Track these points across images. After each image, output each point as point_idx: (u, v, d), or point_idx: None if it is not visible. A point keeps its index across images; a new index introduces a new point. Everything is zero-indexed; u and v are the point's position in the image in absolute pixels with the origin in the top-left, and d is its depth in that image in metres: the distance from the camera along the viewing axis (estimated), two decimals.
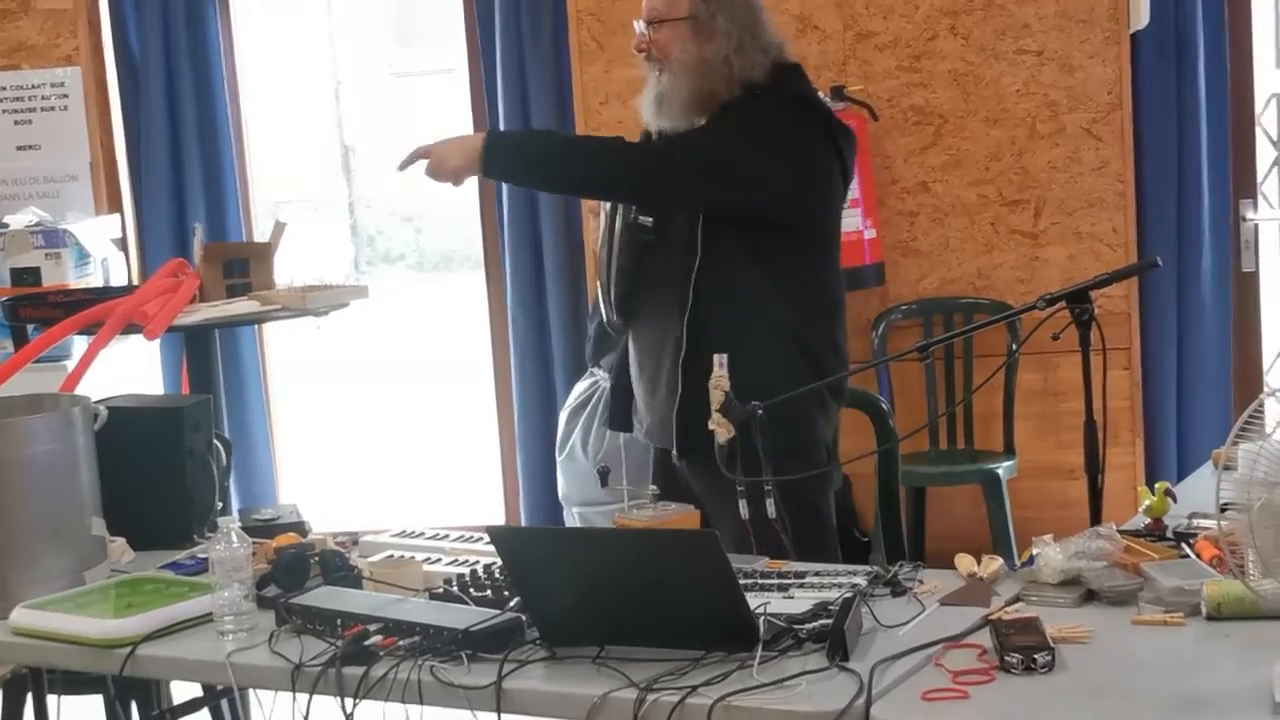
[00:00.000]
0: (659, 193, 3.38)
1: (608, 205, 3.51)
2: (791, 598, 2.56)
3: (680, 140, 3.36)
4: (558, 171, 3.45)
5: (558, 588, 2.45)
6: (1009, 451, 5.21)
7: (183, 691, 3.73)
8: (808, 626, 2.38)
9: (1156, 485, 2.89)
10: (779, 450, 2.95)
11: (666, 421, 3.33)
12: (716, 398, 2.86)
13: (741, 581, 2.46)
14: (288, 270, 4.58)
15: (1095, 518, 2.93)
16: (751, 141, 3.30)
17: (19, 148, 5.69)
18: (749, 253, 3.31)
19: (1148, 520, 2.83)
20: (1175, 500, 2.88)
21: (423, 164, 3.36)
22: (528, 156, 3.43)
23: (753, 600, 2.43)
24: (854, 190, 5.10)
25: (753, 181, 3.30)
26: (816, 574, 2.69)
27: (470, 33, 5.65)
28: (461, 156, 3.34)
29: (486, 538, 2.97)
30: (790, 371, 3.22)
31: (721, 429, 2.85)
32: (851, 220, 5.10)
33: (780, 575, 2.69)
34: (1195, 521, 2.79)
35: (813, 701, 2.17)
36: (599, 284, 3.62)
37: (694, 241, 3.29)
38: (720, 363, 2.87)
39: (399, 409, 10.22)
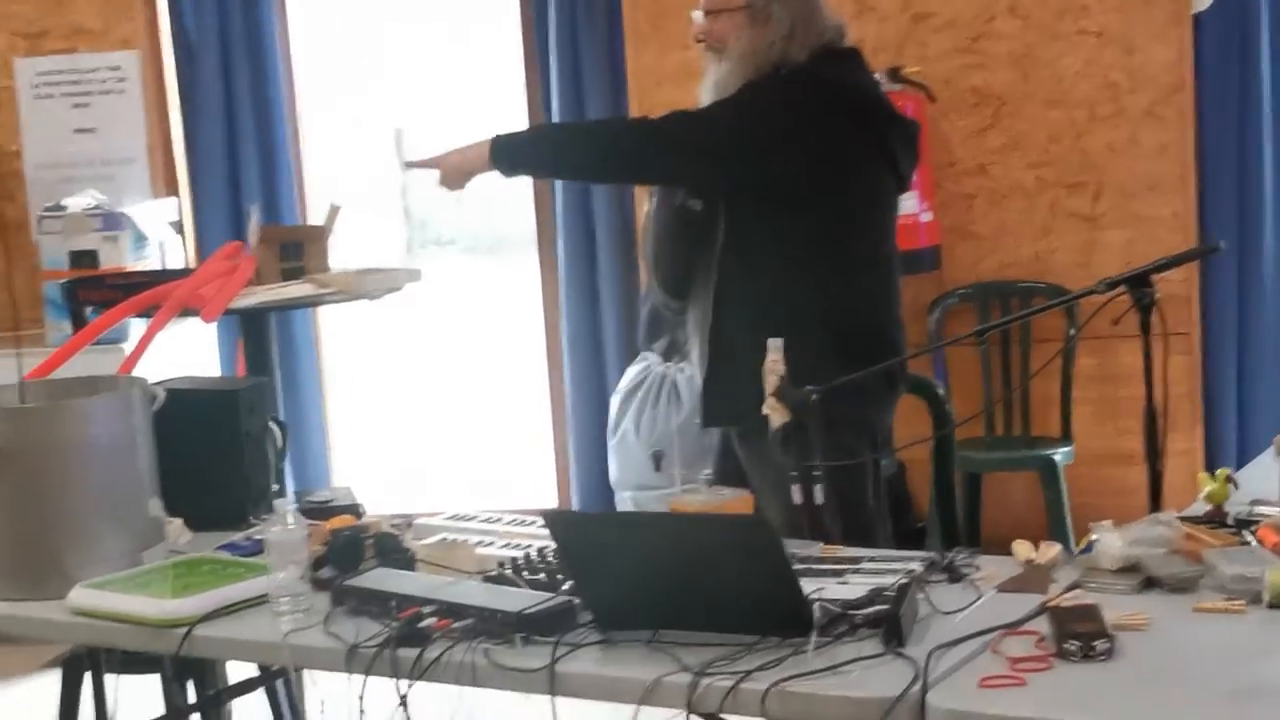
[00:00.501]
0: (644, 170, 3.53)
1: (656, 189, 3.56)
2: (846, 583, 2.55)
3: (669, 117, 3.45)
4: (560, 158, 3.60)
5: (611, 572, 2.46)
6: (1066, 438, 5.18)
7: (238, 672, 3.76)
8: (863, 612, 2.36)
9: (1217, 472, 2.87)
10: (830, 437, 2.94)
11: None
12: (771, 382, 2.86)
13: (796, 567, 2.46)
14: (341, 253, 4.61)
15: (1155, 504, 2.90)
16: (739, 116, 3.35)
17: (77, 131, 5.71)
18: (771, 234, 3.35)
19: (1208, 507, 2.81)
20: (1236, 486, 2.86)
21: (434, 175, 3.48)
22: (532, 147, 3.56)
23: (807, 585, 2.42)
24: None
25: (737, 156, 3.36)
26: (872, 559, 2.68)
27: (525, 16, 5.66)
28: (470, 159, 3.46)
29: (539, 521, 2.99)
30: (819, 356, 3.20)
31: (776, 414, 2.85)
32: (908, 204, 5.08)
33: (835, 561, 2.69)
34: (1257, 508, 2.77)
35: (868, 688, 2.17)
36: (650, 266, 3.65)
37: (719, 220, 3.33)
38: (775, 347, 2.87)
39: (451, 392, 10.26)
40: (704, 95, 3.43)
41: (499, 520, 3.15)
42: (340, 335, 6.47)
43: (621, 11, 5.43)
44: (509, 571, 2.72)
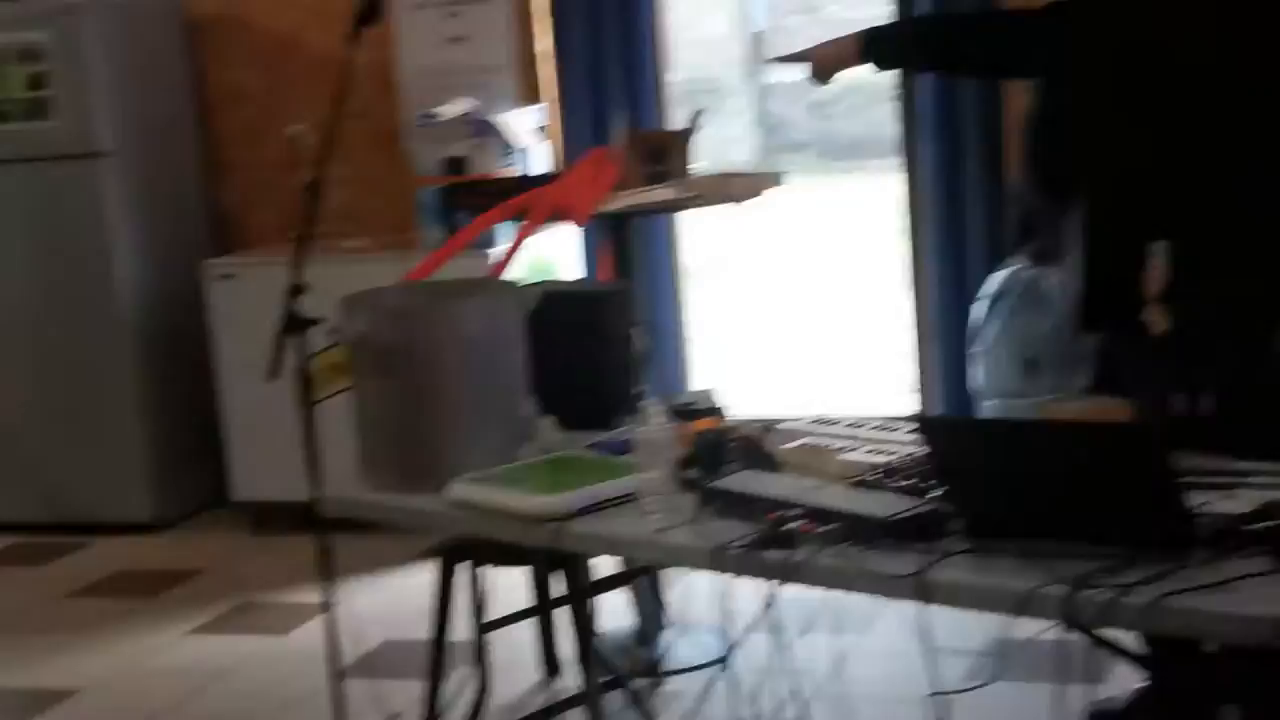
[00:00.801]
0: (1029, 66, 3.29)
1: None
2: (1234, 497, 2.45)
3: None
4: (931, 47, 3.46)
5: (983, 479, 2.43)
6: None
7: (604, 568, 3.86)
8: (1253, 527, 2.27)
9: None
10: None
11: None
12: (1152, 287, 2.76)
13: (1179, 480, 2.37)
14: (700, 157, 4.62)
15: None
16: None
17: (449, 40, 5.83)
18: None
19: None
20: None
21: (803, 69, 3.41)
22: (903, 38, 3.50)
23: (1191, 499, 2.34)
24: None
25: None
26: (1265, 474, 2.57)
27: None
28: (841, 51, 3.37)
29: (903, 427, 2.96)
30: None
31: (1159, 320, 2.75)
32: None
33: (1223, 474, 2.57)
34: None
35: (1257, 605, 2.08)
36: (1027, 165, 3.51)
37: None
38: (1159, 251, 2.76)
39: (809, 297, 10.25)
40: None
41: (863, 425, 3.12)
42: (698, 238, 6.51)
43: None
44: (877, 477, 2.71)
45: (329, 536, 3.28)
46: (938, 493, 2.53)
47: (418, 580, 4.56)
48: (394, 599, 4.88)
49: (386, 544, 4.60)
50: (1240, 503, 2.40)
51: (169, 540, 5.92)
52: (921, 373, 5.71)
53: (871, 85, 5.22)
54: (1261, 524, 2.28)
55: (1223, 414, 2.78)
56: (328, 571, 3.30)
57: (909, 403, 5.75)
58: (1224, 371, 2.79)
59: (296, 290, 3.26)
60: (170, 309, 6.01)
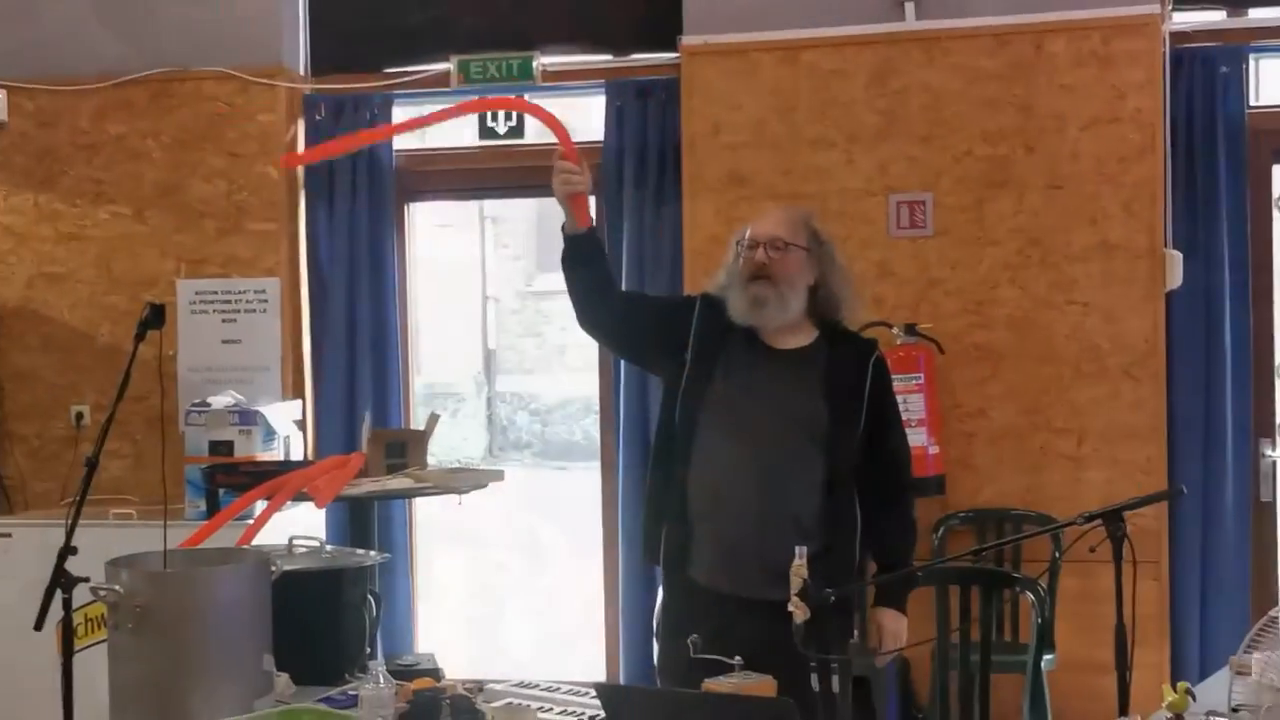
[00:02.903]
0: None
1: None
2: None
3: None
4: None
5: None
6: (1050, 646, 5.11)
7: None
8: None
9: (1178, 685, 2.85)
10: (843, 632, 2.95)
11: None
12: (795, 584, 2.87)
13: None
14: (435, 450, 4.68)
15: (1123, 710, 2.88)
16: None
17: (224, 341, 5.83)
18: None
19: (1169, 715, 2.79)
20: (1195, 699, 2.83)
21: None
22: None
23: None
24: (921, 411, 5.16)
25: None
26: None
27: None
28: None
29: (591, 692, 2.99)
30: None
31: (799, 611, 2.86)
32: (918, 437, 5.12)
33: None
34: (1212, 719, 2.74)
35: None
36: None
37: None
38: (800, 553, 2.89)
39: (521, 575, 10.24)
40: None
41: (558, 689, 3.15)
42: (431, 519, 6.50)
43: (683, 261, 5.52)
44: None
45: None
46: None
47: None
48: None
49: None
50: None
51: None
52: (612, 643, 5.75)
53: (583, 399, 5.39)
54: None
55: (849, 691, 2.88)
56: None
57: (600, 669, 5.77)
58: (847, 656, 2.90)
59: (66, 551, 3.15)
60: None
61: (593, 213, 3.44)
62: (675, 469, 3.38)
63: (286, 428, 5.56)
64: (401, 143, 5.98)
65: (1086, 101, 5.25)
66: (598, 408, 5.91)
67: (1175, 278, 5.18)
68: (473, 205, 16.81)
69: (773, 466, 3.31)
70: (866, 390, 3.41)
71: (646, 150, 5.60)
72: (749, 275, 3.39)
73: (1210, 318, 5.23)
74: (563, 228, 3.46)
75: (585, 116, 5.85)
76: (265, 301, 5.80)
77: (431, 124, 3.98)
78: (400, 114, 5.87)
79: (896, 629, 3.40)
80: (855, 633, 3.00)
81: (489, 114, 5.86)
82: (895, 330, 5.29)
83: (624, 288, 5.52)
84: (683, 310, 3.48)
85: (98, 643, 3.05)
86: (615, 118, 5.63)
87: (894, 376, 5.09)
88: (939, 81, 5.36)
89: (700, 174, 5.50)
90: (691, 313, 3.46)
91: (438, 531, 7.39)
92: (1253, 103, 5.30)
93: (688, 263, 5.46)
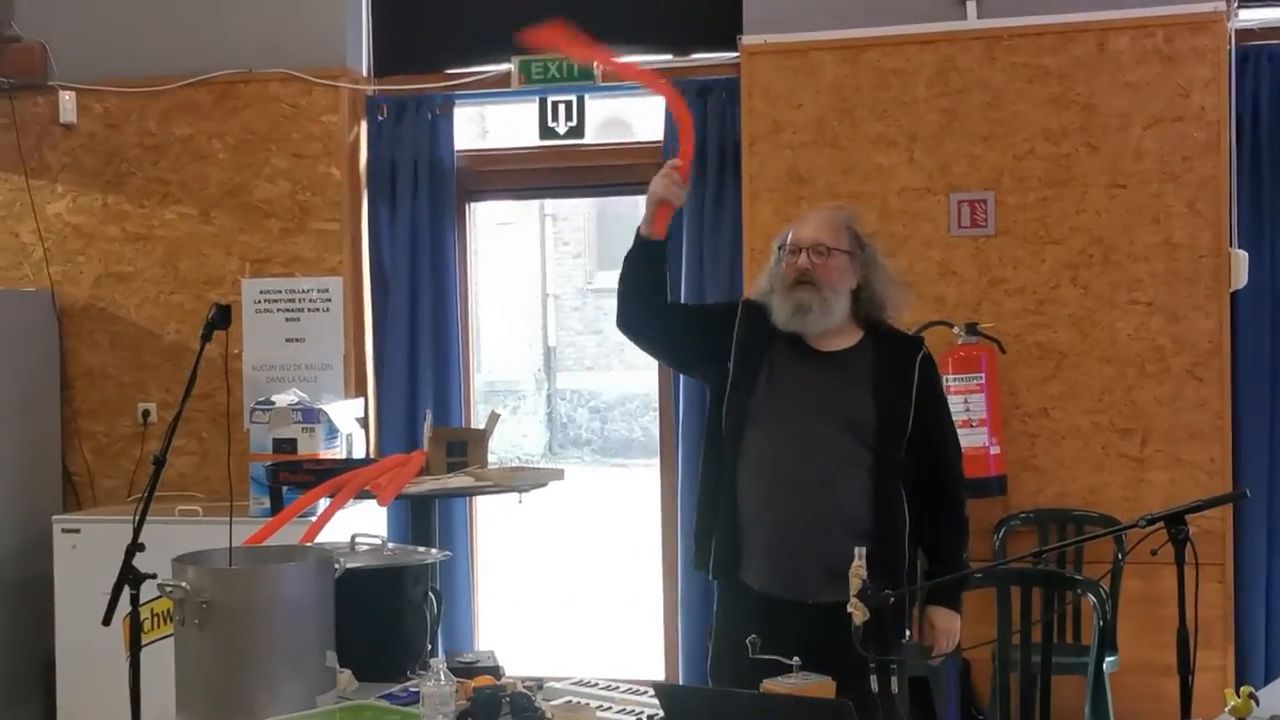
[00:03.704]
0: None
1: None
2: None
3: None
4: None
5: None
6: (1113, 648, 5.08)
7: None
8: None
9: (1241, 689, 2.82)
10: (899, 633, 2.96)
11: None
12: (855, 585, 2.88)
13: None
14: (495, 447, 4.70)
15: (1185, 714, 2.85)
16: None
17: (288, 340, 5.88)
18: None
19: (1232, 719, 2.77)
20: (1258, 704, 2.81)
21: None
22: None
23: None
24: (982, 410, 5.14)
25: None
26: None
27: None
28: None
29: (650, 691, 3.00)
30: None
31: (858, 612, 2.86)
32: (978, 437, 5.10)
33: None
34: None
35: None
36: None
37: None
38: (859, 554, 2.89)
39: (581, 572, 10.28)
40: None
41: (616, 689, 3.17)
42: (491, 519, 6.54)
43: (743, 251, 5.53)
44: None
45: None
46: None
47: None
48: None
49: None
50: None
51: None
52: (670, 642, 5.76)
53: (642, 396, 5.41)
54: None
55: (906, 691, 2.89)
56: None
57: (659, 667, 5.79)
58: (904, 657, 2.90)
59: (134, 548, 3.20)
60: (19, 558, 5.79)
61: (669, 226, 3.44)
62: (724, 475, 3.38)
63: (349, 425, 5.60)
64: (462, 143, 6.01)
65: (1150, 99, 5.21)
66: (657, 405, 5.93)
67: (1240, 277, 5.12)
68: (533, 203, 16.90)
69: (822, 468, 3.31)
70: (914, 389, 3.40)
71: (707, 149, 5.60)
72: (792, 281, 3.38)
73: (1276, 317, 5.17)
74: (639, 227, 3.46)
75: (645, 117, 5.86)
76: (328, 300, 5.85)
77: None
78: (461, 114, 5.94)
79: (950, 627, 3.39)
80: (908, 632, 3.02)
81: (552, 115, 5.88)
82: (956, 330, 5.26)
83: (684, 286, 5.55)
84: (724, 317, 3.48)
85: (163, 637, 3.09)
86: None
87: (955, 376, 5.14)
88: (1000, 80, 5.33)
89: (760, 173, 5.50)
90: (733, 319, 3.46)
91: (498, 530, 7.42)
92: None
93: (747, 261, 5.45)
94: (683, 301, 5.45)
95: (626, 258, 3.47)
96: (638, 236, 3.44)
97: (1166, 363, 5.21)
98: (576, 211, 18.65)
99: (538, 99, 5.85)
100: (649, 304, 3.45)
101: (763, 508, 3.35)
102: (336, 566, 3.19)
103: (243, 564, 3.23)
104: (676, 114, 3.59)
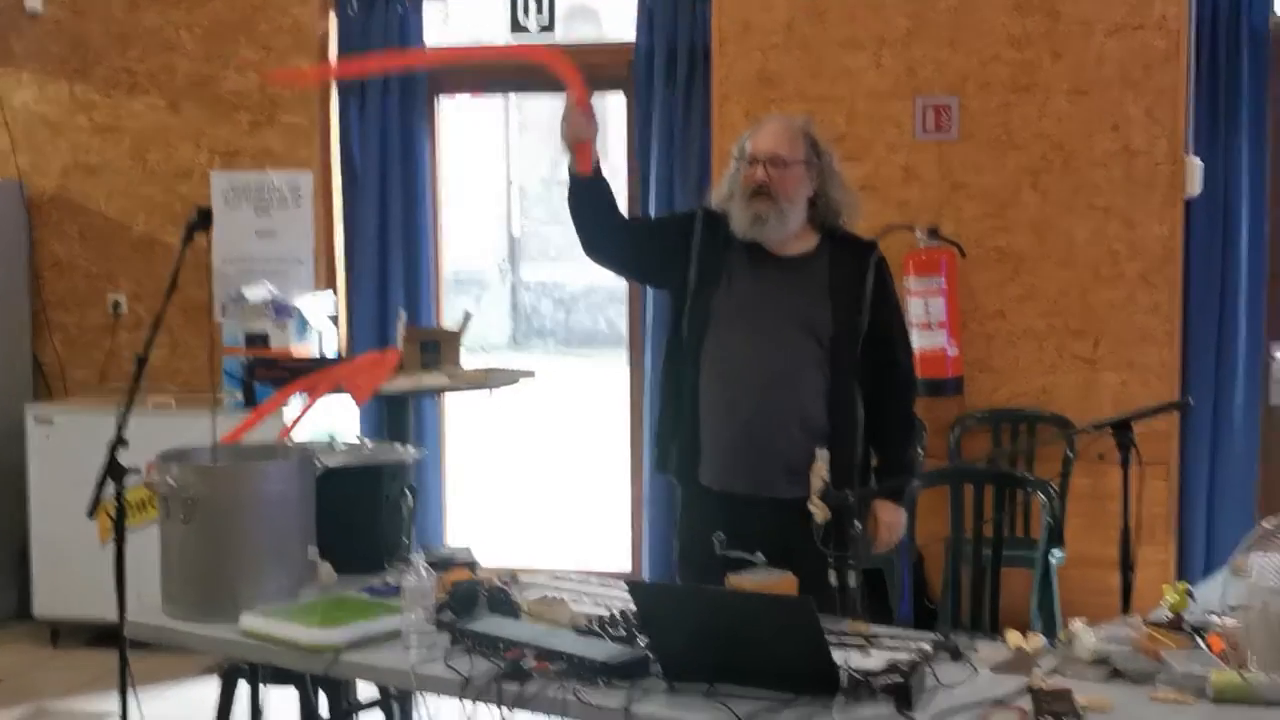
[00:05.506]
0: None
1: None
2: (869, 655, 2.68)
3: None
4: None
5: (679, 633, 2.60)
6: (1060, 543, 5.25)
7: (363, 691, 3.90)
8: (881, 680, 2.49)
9: (1178, 585, 2.97)
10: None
11: None
12: (816, 485, 3.00)
13: (829, 639, 2.59)
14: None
15: (1125, 607, 3.02)
16: None
17: (258, 233, 5.91)
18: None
19: (1169, 614, 2.91)
20: (1194, 599, 2.95)
21: None
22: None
23: (837, 655, 2.56)
24: (941, 313, 5.26)
25: None
26: (891, 637, 2.82)
27: (630, 140, 5.81)
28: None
29: (622, 585, 3.14)
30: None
31: (819, 511, 2.99)
32: (938, 339, 5.23)
33: (860, 635, 2.82)
34: (1209, 618, 2.85)
35: None
36: None
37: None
38: (822, 456, 3.01)
39: (549, 466, 10.41)
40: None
41: (589, 581, 3.30)
42: (462, 413, 6.63)
43: (711, 142, 5.55)
44: (596, 627, 2.88)
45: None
46: (644, 641, 2.71)
47: (200, 693, 4.51)
48: (181, 710, 4.79)
49: (169, 661, 4.53)
50: (873, 660, 2.64)
51: None
52: (636, 535, 5.90)
53: (607, 289, 5.46)
54: (888, 678, 2.50)
55: (864, 589, 3.03)
56: (126, 686, 3.28)
57: (626, 560, 5.94)
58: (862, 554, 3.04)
59: (117, 443, 3.28)
60: None
61: (598, 156, 3.48)
62: (685, 379, 3.49)
63: (321, 321, 5.66)
64: (434, 38, 6.01)
65: (1113, 6, 5.27)
66: (623, 296, 5.97)
67: (1195, 185, 5.23)
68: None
69: (781, 369, 3.42)
70: (868, 291, 3.49)
71: (677, 50, 5.63)
72: (750, 192, 3.46)
73: (1228, 225, 5.29)
74: (569, 167, 3.53)
75: (617, 16, 5.87)
76: (299, 195, 5.88)
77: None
78: (430, 10, 5.93)
79: (893, 520, 3.51)
80: (855, 523, 3.15)
81: (522, 8, 5.88)
82: (918, 233, 5.36)
83: (654, 190, 5.61)
84: (684, 226, 3.56)
85: (140, 528, 3.19)
86: (646, 17, 5.65)
87: (916, 279, 5.26)
88: None
89: (730, 75, 5.54)
90: (692, 228, 3.54)
91: (466, 425, 7.52)
92: (1278, 12, 5.30)
93: (717, 164, 5.52)
94: (650, 211, 5.53)
95: (569, 196, 3.54)
96: (571, 175, 3.51)
97: (1120, 267, 5.33)
98: (540, 100, 18.50)
99: None
100: (605, 226, 3.54)
101: (723, 408, 3.45)
102: (318, 464, 3.30)
103: (226, 461, 3.33)
104: (562, 71, 3.54)
